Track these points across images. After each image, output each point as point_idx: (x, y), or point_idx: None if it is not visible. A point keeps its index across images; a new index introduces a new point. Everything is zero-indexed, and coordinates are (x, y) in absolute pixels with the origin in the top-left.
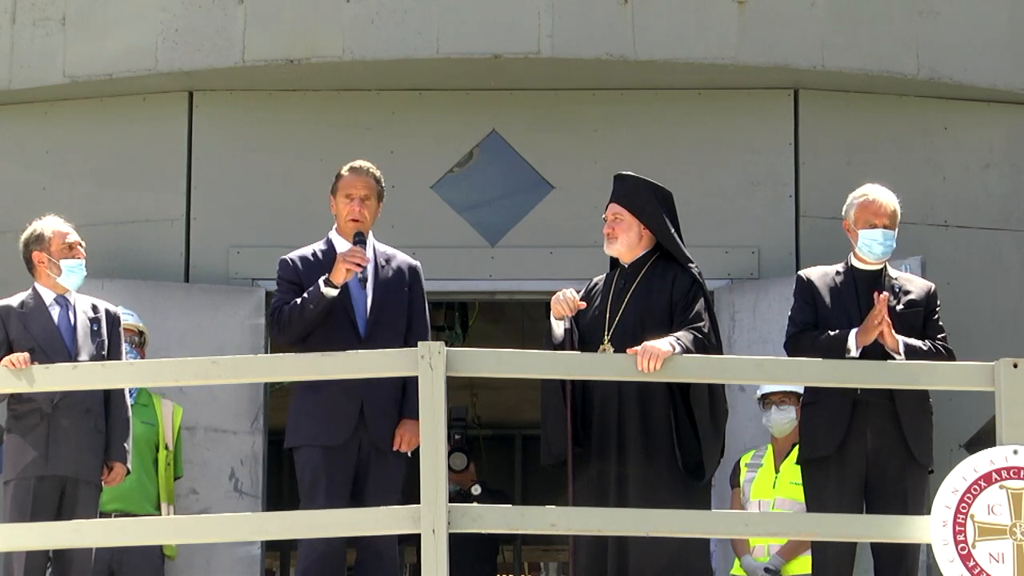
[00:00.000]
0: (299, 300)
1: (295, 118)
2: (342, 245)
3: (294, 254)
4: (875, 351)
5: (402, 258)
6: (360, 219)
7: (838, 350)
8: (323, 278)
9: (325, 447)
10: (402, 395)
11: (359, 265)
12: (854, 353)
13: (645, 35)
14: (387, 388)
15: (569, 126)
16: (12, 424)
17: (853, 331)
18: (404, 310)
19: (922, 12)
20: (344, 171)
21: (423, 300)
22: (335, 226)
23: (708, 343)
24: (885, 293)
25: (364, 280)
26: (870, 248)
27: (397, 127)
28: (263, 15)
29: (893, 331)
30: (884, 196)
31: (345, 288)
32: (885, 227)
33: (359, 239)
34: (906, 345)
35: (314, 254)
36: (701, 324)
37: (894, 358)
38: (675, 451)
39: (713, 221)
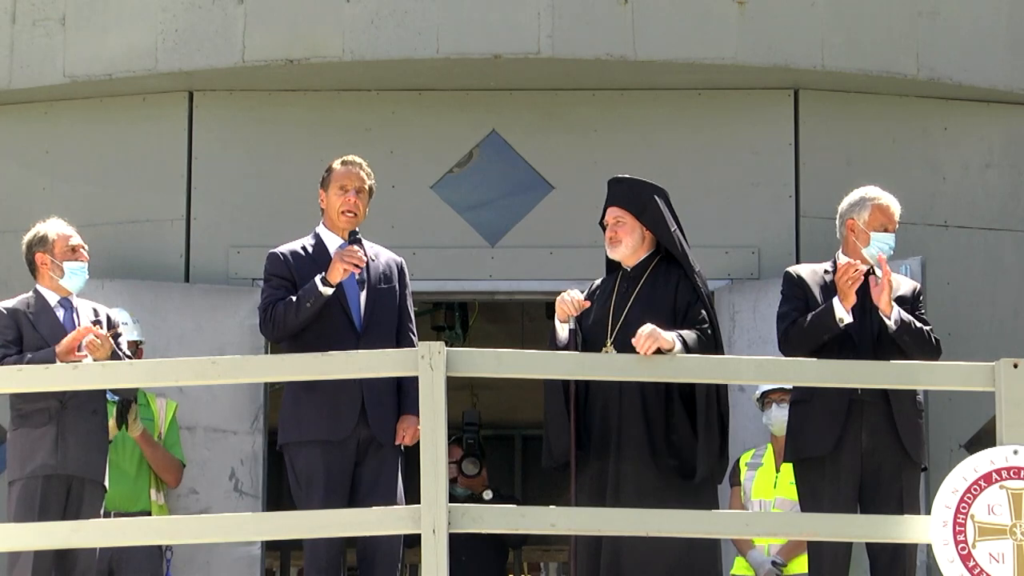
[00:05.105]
0: (294, 298)
1: (295, 118)
2: (332, 240)
3: (283, 249)
4: (866, 324)
5: (388, 255)
6: (355, 211)
7: (827, 321)
8: (320, 277)
9: (326, 442)
10: (398, 389)
11: (356, 266)
12: (847, 319)
13: (645, 35)
14: (384, 381)
15: (569, 126)
16: (18, 423)
17: (835, 298)
18: (396, 306)
19: (922, 12)
20: (336, 164)
21: (409, 297)
22: (322, 221)
23: (712, 343)
24: (852, 261)
25: (362, 282)
26: (881, 250)
27: (397, 127)
28: (263, 15)
29: (892, 299)
30: (894, 200)
31: (340, 285)
32: (894, 231)
33: (354, 238)
34: (900, 316)
35: (304, 249)
36: (705, 326)
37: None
38: (667, 449)
39: (713, 221)
